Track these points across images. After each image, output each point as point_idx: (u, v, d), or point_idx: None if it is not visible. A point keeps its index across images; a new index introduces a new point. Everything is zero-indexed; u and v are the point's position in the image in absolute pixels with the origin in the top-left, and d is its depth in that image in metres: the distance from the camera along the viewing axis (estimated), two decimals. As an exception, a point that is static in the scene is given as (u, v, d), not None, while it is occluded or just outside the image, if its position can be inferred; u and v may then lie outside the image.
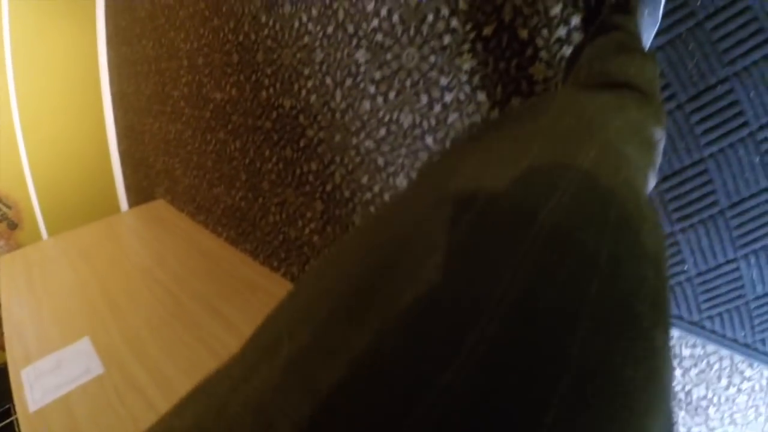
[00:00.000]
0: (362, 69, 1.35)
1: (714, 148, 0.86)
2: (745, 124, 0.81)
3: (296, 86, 1.60)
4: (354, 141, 1.46)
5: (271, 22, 1.61)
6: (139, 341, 1.61)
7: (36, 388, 1.45)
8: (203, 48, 2.07)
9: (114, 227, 2.37)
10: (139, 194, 3.29)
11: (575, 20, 0.92)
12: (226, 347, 1.55)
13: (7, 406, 2.85)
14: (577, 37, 0.93)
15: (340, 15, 1.35)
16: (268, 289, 1.86)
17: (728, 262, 0.89)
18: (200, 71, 2.14)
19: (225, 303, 1.78)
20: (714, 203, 0.88)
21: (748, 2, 0.75)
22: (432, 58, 1.16)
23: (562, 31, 0.94)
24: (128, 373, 1.49)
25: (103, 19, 3.17)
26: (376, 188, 1.45)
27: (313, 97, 1.56)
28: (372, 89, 1.34)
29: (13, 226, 3.14)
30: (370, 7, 1.26)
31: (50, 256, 2.14)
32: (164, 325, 1.69)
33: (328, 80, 1.47)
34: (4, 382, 1.60)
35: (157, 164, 2.82)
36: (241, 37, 1.79)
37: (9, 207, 3.09)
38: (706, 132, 0.86)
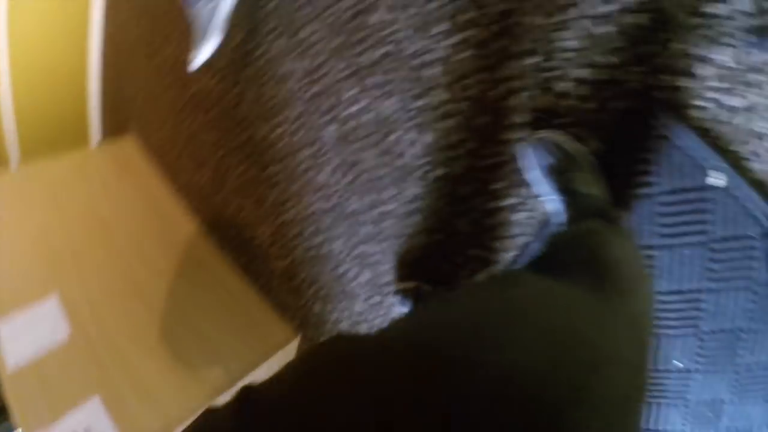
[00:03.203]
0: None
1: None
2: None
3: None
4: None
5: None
6: (98, 304, 1.76)
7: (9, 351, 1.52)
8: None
9: (82, 165, 2.36)
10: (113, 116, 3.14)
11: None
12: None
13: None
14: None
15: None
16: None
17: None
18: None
19: (178, 277, 1.92)
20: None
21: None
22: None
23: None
24: (90, 337, 1.63)
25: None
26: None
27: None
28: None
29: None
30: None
31: (17, 192, 2.13)
32: (118, 290, 1.85)
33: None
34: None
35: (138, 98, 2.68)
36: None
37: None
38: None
